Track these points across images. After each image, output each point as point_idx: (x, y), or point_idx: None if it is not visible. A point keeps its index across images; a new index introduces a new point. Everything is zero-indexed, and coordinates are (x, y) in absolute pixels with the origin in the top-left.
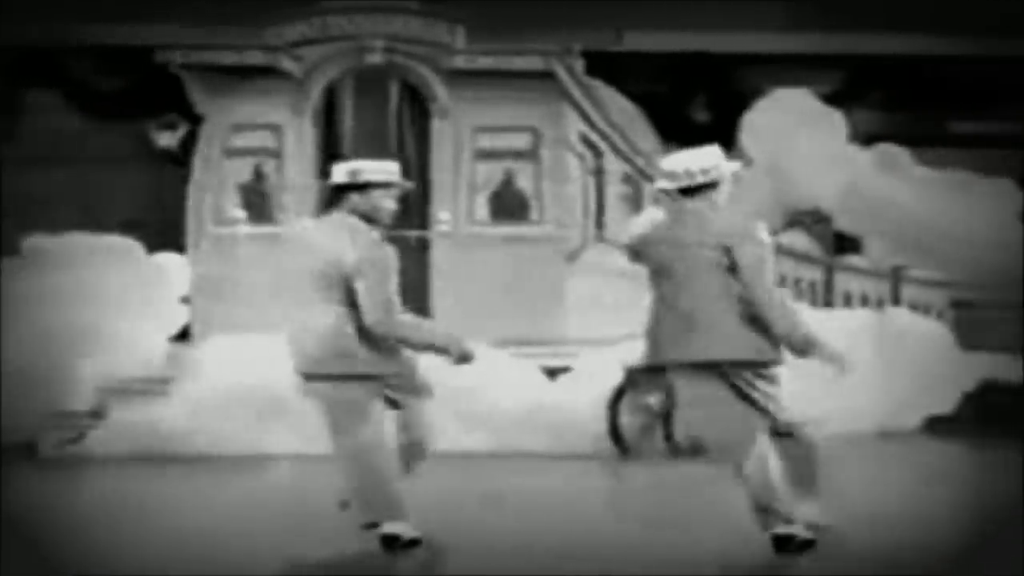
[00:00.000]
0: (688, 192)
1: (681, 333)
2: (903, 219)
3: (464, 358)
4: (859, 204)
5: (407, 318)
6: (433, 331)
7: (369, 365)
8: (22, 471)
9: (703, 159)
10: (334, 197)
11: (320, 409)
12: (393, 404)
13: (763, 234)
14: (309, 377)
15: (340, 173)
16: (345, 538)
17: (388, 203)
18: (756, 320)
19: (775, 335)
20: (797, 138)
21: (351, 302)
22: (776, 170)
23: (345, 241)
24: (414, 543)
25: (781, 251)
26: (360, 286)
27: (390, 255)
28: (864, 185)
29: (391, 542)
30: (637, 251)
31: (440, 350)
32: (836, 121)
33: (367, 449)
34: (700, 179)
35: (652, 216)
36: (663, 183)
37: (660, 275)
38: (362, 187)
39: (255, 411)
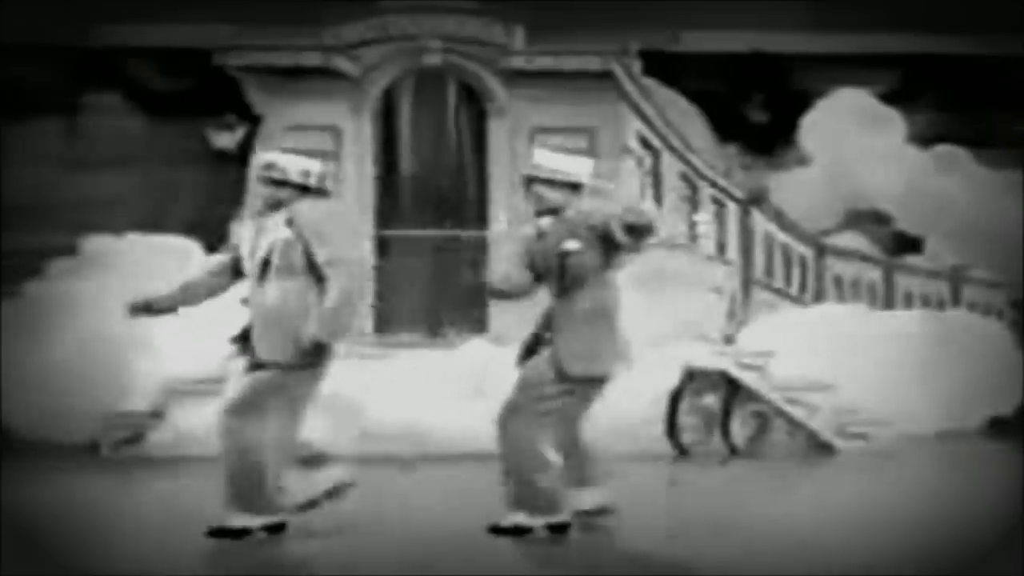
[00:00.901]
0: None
1: None
2: (963, 219)
3: None
4: (918, 204)
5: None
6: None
7: None
8: (83, 471)
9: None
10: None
11: None
12: None
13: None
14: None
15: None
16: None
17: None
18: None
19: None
20: (856, 138)
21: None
22: (835, 169)
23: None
24: (245, 533)
25: (840, 251)
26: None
27: None
28: (923, 185)
29: (238, 535)
30: None
31: None
32: (895, 121)
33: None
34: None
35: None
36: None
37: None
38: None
39: (310, 411)
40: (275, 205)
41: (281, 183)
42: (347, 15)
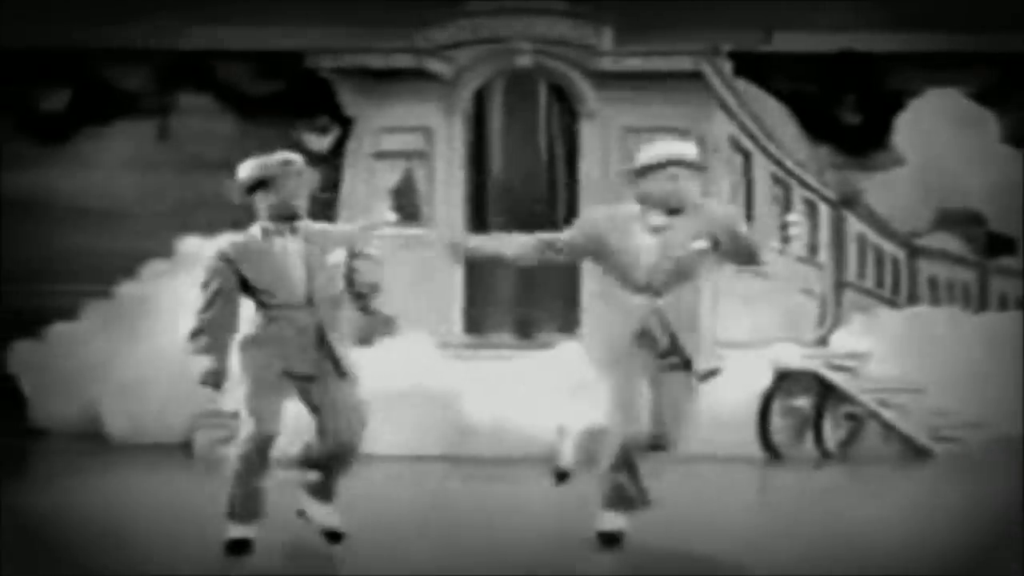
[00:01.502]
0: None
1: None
2: None
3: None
4: (1012, 205)
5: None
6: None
7: None
8: (179, 468)
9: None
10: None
11: None
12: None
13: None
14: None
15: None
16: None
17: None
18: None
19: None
20: (949, 139)
21: None
22: (928, 170)
23: None
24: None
25: (933, 253)
26: None
27: None
28: (1017, 185)
29: (237, 547)
30: None
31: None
32: (988, 121)
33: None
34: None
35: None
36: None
37: None
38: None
39: (404, 412)
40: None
41: None
42: (438, 17)
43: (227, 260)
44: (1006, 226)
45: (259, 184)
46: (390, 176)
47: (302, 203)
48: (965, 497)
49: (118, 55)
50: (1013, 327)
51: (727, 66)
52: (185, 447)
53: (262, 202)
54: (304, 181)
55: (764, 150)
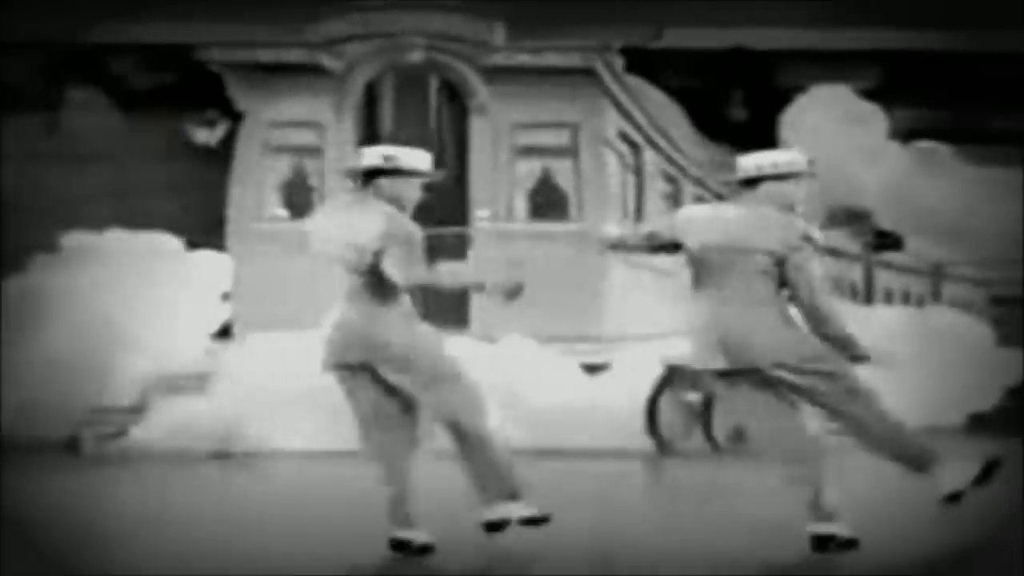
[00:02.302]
0: (750, 183)
1: (730, 337)
2: (943, 216)
3: (513, 291)
4: (899, 201)
5: (438, 267)
6: (466, 271)
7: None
8: (64, 466)
9: (775, 156)
10: (361, 180)
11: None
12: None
13: (817, 237)
14: (341, 368)
15: (373, 156)
16: (382, 534)
17: (414, 192)
18: (800, 322)
19: (827, 337)
20: (837, 135)
21: (380, 287)
22: (815, 166)
23: (369, 223)
24: (426, 549)
25: (821, 248)
26: (387, 260)
27: (415, 230)
28: (904, 182)
29: (402, 547)
30: (679, 243)
31: (478, 287)
32: (876, 117)
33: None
34: (767, 171)
35: (703, 211)
36: (732, 176)
37: (709, 275)
38: (392, 172)
39: (294, 408)
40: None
41: None
42: (329, 12)
43: None
44: (893, 222)
45: None
46: (280, 171)
47: None
48: (854, 487)
49: (6, 49)
50: (899, 322)
51: (618, 62)
52: (73, 444)
53: None
54: None
55: (655, 146)
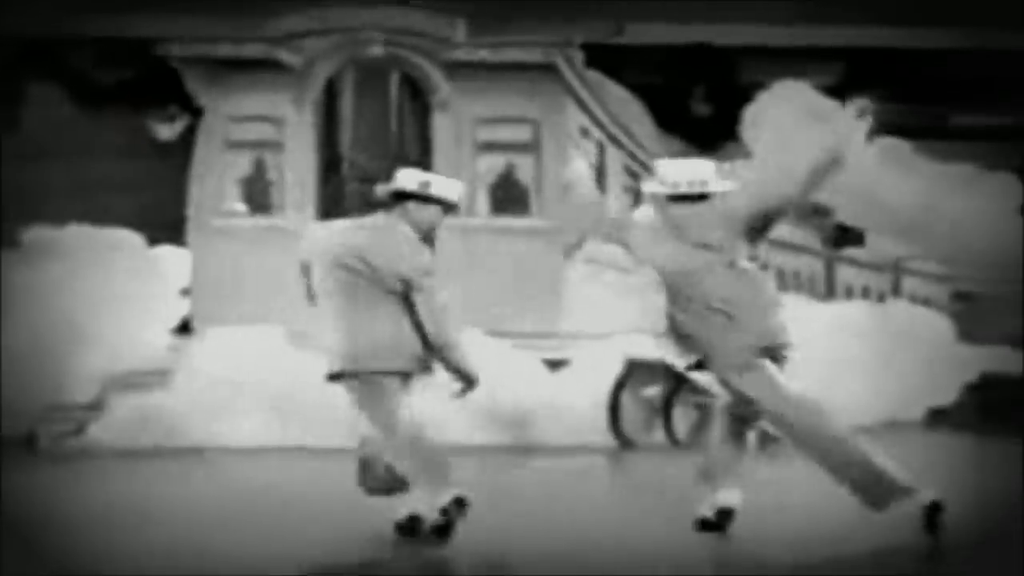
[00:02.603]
0: (678, 200)
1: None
2: (904, 212)
3: (469, 389)
4: (860, 197)
5: (456, 335)
6: (466, 357)
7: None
8: (21, 463)
9: (699, 172)
10: (389, 200)
11: (359, 402)
12: None
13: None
14: (354, 375)
15: (409, 181)
16: (345, 531)
17: (438, 219)
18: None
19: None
20: (798, 131)
21: (405, 304)
22: (776, 163)
23: (401, 249)
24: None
25: (781, 244)
26: (418, 297)
27: (434, 263)
28: (865, 178)
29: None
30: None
31: (464, 376)
32: (837, 114)
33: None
34: (696, 189)
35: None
36: (655, 187)
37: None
38: (424, 199)
39: (254, 403)
40: None
41: None
42: (288, 7)
43: None
44: (853, 217)
45: None
46: (240, 166)
47: None
48: (818, 483)
49: None
50: (859, 317)
51: (579, 58)
52: (30, 441)
53: None
54: None
55: (616, 141)
